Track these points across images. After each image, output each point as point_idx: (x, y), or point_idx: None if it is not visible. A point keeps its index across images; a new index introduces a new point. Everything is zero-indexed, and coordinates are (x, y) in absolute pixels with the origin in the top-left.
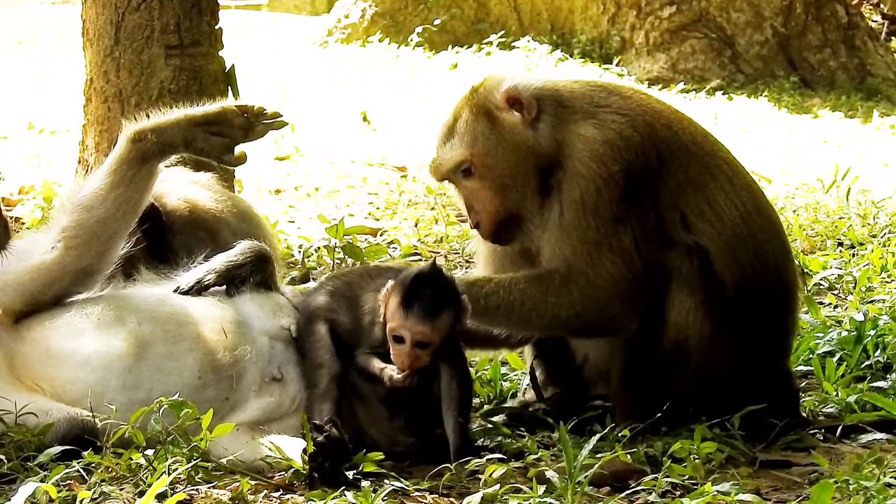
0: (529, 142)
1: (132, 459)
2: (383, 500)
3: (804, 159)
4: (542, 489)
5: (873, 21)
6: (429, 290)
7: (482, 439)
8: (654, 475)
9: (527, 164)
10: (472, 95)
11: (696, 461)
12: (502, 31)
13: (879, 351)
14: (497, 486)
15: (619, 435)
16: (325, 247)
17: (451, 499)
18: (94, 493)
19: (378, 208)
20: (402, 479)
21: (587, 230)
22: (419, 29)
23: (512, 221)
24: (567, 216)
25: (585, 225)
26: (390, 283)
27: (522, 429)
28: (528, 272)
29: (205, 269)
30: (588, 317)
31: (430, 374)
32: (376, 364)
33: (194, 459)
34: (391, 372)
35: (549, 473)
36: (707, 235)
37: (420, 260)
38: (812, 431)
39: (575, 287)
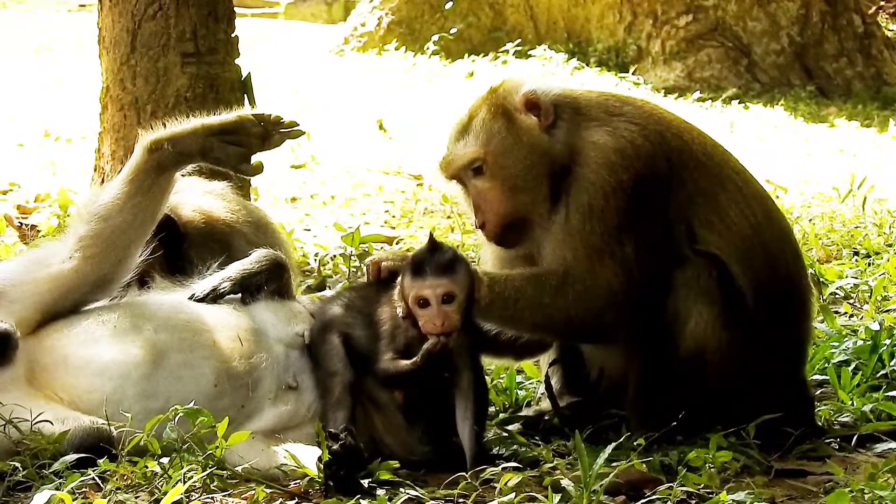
0: (544, 145)
1: (147, 467)
2: None
3: (820, 168)
4: (557, 498)
5: (890, 30)
6: (436, 252)
7: (497, 448)
8: (670, 484)
9: (540, 167)
10: (491, 95)
11: (712, 470)
12: (518, 40)
13: (895, 360)
14: (512, 495)
15: (635, 444)
16: (340, 255)
17: None
18: (109, 500)
19: (394, 216)
20: (417, 488)
21: (591, 235)
22: (435, 37)
23: (518, 224)
24: (573, 220)
25: (589, 230)
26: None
27: (538, 437)
28: (524, 271)
29: (220, 276)
30: (580, 321)
31: (447, 382)
32: (404, 363)
33: (210, 467)
34: (426, 346)
35: (565, 482)
36: (716, 247)
37: None
38: (827, 440)
39: (571, 290)
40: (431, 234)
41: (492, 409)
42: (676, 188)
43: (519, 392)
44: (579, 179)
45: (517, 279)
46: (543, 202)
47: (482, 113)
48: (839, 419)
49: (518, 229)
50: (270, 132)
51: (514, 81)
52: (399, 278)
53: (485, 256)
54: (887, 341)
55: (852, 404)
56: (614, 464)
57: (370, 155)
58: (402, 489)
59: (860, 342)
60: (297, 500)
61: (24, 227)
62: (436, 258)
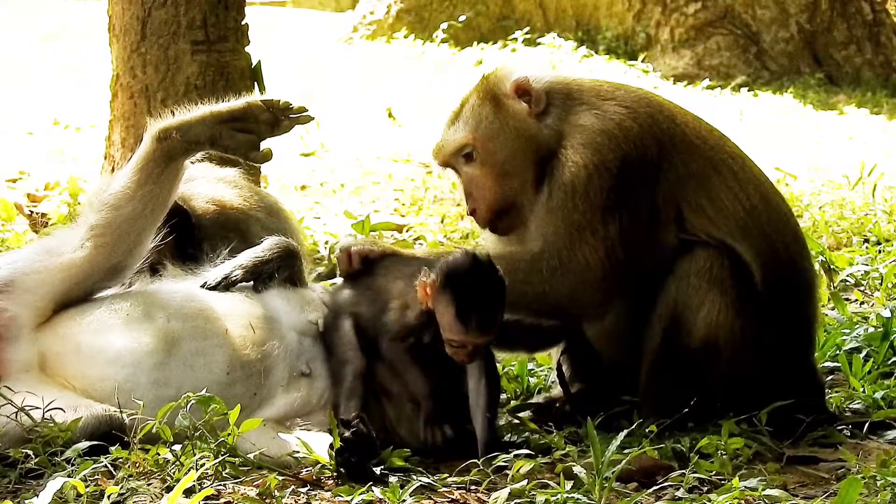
0: (532, 130)
1: (159, 455)
2: (411, 496)
3: (830, 156)
4: (569, 485)
5: None
6: (482, 297)
7: (509, 435)
8: (682, 471)
9: (528, 152)
10: (482, 82)
11: (724, 457)
12: (527, 28)
13: None
14: (524, 482)
15: (647, 431)
16: None
17: (479, 494)
18: (121, 488)
19: (404, 204)
20: (429, 475)
21: (573, 212)
22: (444, 25)
23: (509, 211)
24: (554, 198)
25: (572, 207)
26: (427, 272)
27: (549, 424)
28: (502, 250)
29: (232, 264)
30: (555, 297)
31: (457, 370)
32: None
33: (222, 455)
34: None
35: (577, 469)
36: (705, 232)
37: None
38: (839, 427)
39: (546, 265)
40: (480, 258)
41: (503, 396)
42: (666, 171)
43: (530, 379)
44: (563, 160)
45: (493, 258)
46: (532, 188)
47: (472, 99)
48: (851, 406)
49: (509, 216)
50: (279, 118)
51: (506, 68)
52: (428, 276)
53: (486, 244)
54: None
55: (864, 391)
56: (626, 451)
57: (379, 143)
58: (414, 476)
59: (871, 329)
60: (308, 487)
61: (34, 215)
62: (481, 306)
